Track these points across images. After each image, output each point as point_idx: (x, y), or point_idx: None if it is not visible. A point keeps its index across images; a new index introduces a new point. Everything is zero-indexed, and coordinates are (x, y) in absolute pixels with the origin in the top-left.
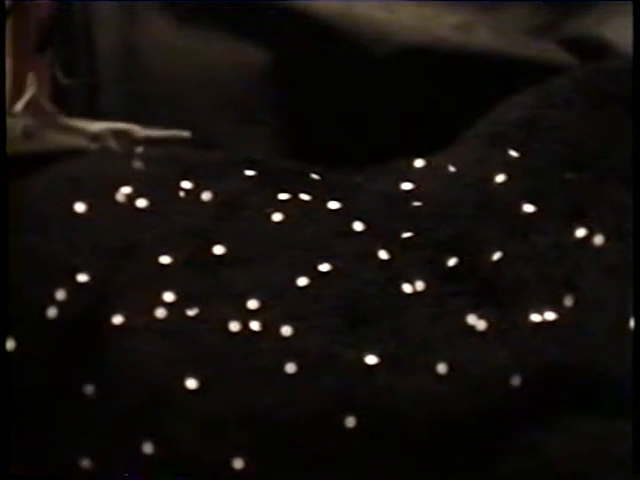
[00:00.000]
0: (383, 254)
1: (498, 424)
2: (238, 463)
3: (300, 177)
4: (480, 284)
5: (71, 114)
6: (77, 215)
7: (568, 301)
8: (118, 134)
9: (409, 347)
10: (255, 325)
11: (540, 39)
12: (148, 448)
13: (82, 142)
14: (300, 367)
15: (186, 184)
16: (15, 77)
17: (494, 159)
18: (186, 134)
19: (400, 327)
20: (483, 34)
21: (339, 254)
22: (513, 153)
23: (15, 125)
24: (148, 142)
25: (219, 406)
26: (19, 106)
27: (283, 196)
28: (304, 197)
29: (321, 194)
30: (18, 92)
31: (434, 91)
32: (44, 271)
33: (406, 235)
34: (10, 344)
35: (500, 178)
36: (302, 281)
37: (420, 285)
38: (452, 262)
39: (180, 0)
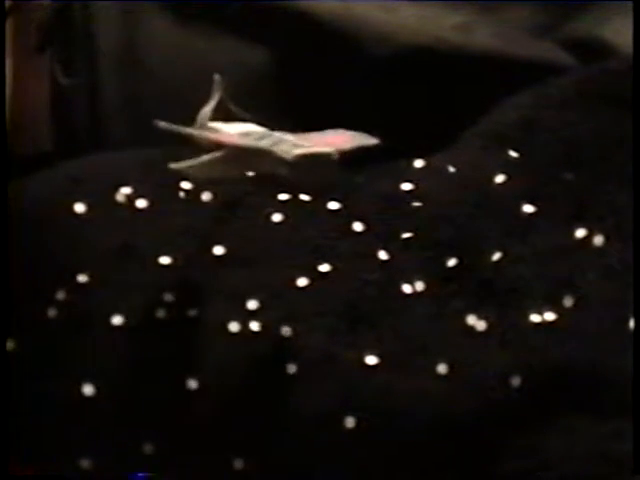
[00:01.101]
0: (383, 254)
1: (498, 424)
2: (238, 463)
3: None
4: (480, 284)
5: (71, 115)
6: (77, 215)
7: (568, 301)
8: (314, 157)
9: (409, 347)
10: (255, 326)
11: (540, 40)
12: (148, 449)
13: (280, 170)
14: (300, 367)
15: (186, 184)
16: (15, 77)
17: (494, 159)
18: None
19: (400, 327)
20: (483, 35)
21: (339, 254)
22: (513, 153)
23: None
24: (342, 161)
25: (219, 406)
26: (207, 110)
27: (283, 196)
28: (304, 197)
29: (321, 194)
30: (18, 92)
31: (434, 91)
32: (44, 271)
33: (406, 235)
34: (10, 344)
35: (500, 178)
36: (302, 281)
37: (420, 285)
38: (452, 262)
39: (180, 0)
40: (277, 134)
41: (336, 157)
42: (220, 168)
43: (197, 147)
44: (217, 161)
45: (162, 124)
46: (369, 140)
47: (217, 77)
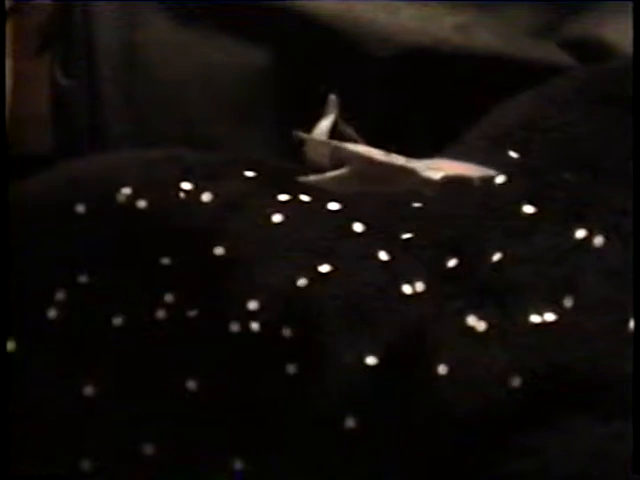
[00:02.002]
0: (383, 255)
1: (498, 425)
2: (238, 464)
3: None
4: (480, 285)
5: (71, 115)
6: (77, 216)
7: (568, 302)
8: (459, 181)
9: (409, 347)
10: (255, 326)
11: (540, 40)
12: (148, 449)
13: (425, 190)
14: (300, 368)
15: (186, 185)
16: (15, 77)
17: (494, 160)
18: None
19: (400, 327)
20: (483, 35)
21: (339, 255)
22: (513, 154)
23: (322, 150)
24: (483, 187)
25: (219, 407)
26: (323, 128)
27: (283, 197)
28: (304, 198)
29: (321, 195)
30: (18, 93)
31: (434, 92)
32: (44, 271)
33: (406, 236)
34: (10, 344)
35: (500, 179)
36: (302, 281)
37: (420, 286)
38: (452, 263)
39: (180, 0)
40: (398, 156)
41: (478, 183)
42: (360, 183)
43: (306, 163)
44: (355, 176)
45: (300, 134)
46: (489, 172)
47: (332, 97)
